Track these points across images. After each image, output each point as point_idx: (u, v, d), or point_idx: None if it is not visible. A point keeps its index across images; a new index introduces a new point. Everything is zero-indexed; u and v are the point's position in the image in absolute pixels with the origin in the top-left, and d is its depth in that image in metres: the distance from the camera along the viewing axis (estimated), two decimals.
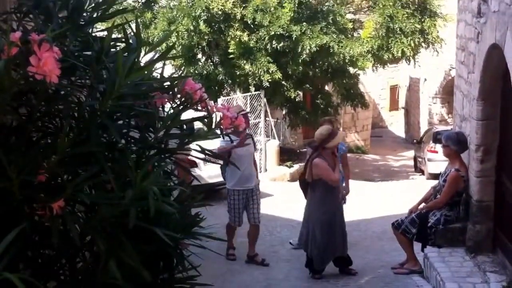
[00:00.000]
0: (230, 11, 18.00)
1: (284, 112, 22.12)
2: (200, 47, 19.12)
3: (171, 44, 17.16)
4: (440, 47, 19.60)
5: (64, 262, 2.59)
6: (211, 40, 18.84)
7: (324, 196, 8.47)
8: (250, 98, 19.67)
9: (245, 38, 18.18)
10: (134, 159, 2.54)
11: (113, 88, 2.33)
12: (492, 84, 7.46)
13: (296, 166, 20.91)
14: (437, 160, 17.99)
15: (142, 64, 2.50)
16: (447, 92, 27.72)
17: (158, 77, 2.73)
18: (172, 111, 2.72)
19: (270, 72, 18.18)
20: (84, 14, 2.61)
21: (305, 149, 24.47)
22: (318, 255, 8.51)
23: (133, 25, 2.69)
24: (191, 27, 17.70)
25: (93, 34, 2.72)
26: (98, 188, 2.52)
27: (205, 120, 2.84)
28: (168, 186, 2.74)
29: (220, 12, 17.84)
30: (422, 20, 18.83)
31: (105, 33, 2.60)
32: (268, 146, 20.10)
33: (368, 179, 21.31)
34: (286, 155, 21.53)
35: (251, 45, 18.33)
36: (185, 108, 2.75)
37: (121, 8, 3.03)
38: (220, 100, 18.45)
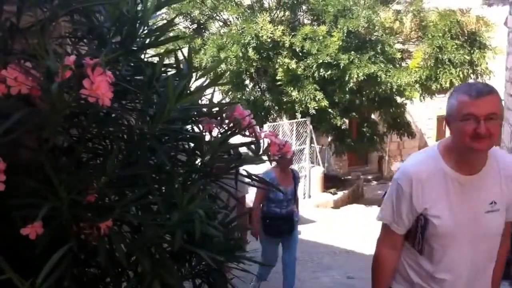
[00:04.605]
0: (279, 39, 18.08)
1: (329, 139, 22.08)
2: (248, 73, 19.24)
3: (221, 71, 17.41)
4: (488, 78, 19.43)
5: (108, 281, 2.62)
6: (259, 66, 18.94)
7: None
8: (296, 125, 19.71)
9: (293, 65, 18.23)
10: (181, 182, 2.56)
11: (163, 112, 2.37)
12: None
13: (340, 194, 20.86)
14: None
15: (192, 90, 2.53)
16: None
17: (207, 102, 2.76)
18: (220, 136, 2.74)
19: (317, 99, 18.19)
20: (137, 40, 2.64)
21: (349, 176, 24.44)
22: None
23: (185, 51, 2.72)
24: (240, 54, 17.82)
25: (146, 60, 2.76)
26: (145, 209, 2.55)
27: (252, 146, 2.86)
28: (213, 209, 2.75)
29: (269, 40, 17.94)
30: (472, 51, 18.71)
31: (157, 58, 2.64)
32: (312, 173, 20.09)
33: None
34: (330, 182, 21.48)
35: (298, 72, 18.37)
36: (233, 133, 2.77)
37: (173, 35, 3.07)
38: (266, 126, 18.50)
